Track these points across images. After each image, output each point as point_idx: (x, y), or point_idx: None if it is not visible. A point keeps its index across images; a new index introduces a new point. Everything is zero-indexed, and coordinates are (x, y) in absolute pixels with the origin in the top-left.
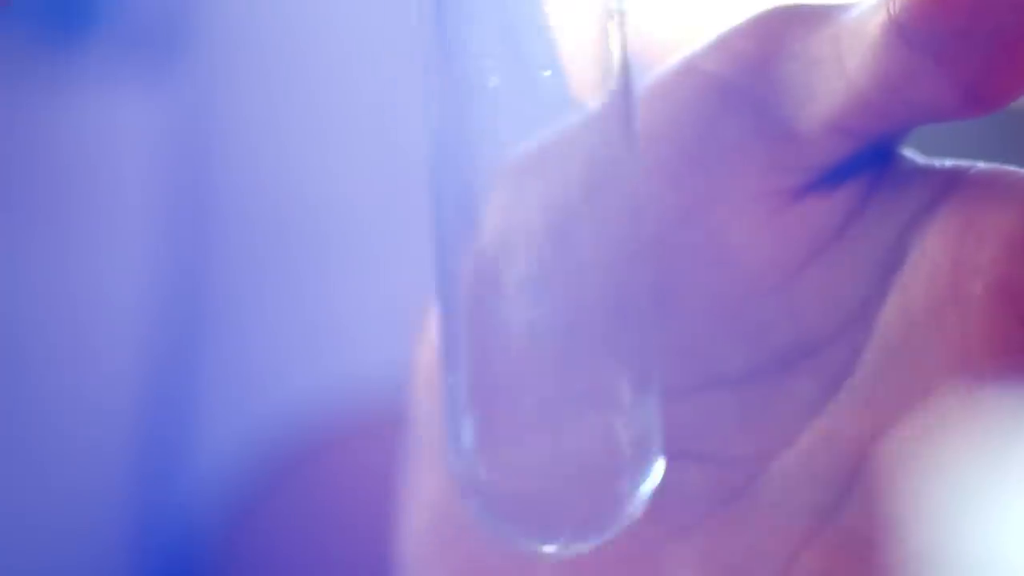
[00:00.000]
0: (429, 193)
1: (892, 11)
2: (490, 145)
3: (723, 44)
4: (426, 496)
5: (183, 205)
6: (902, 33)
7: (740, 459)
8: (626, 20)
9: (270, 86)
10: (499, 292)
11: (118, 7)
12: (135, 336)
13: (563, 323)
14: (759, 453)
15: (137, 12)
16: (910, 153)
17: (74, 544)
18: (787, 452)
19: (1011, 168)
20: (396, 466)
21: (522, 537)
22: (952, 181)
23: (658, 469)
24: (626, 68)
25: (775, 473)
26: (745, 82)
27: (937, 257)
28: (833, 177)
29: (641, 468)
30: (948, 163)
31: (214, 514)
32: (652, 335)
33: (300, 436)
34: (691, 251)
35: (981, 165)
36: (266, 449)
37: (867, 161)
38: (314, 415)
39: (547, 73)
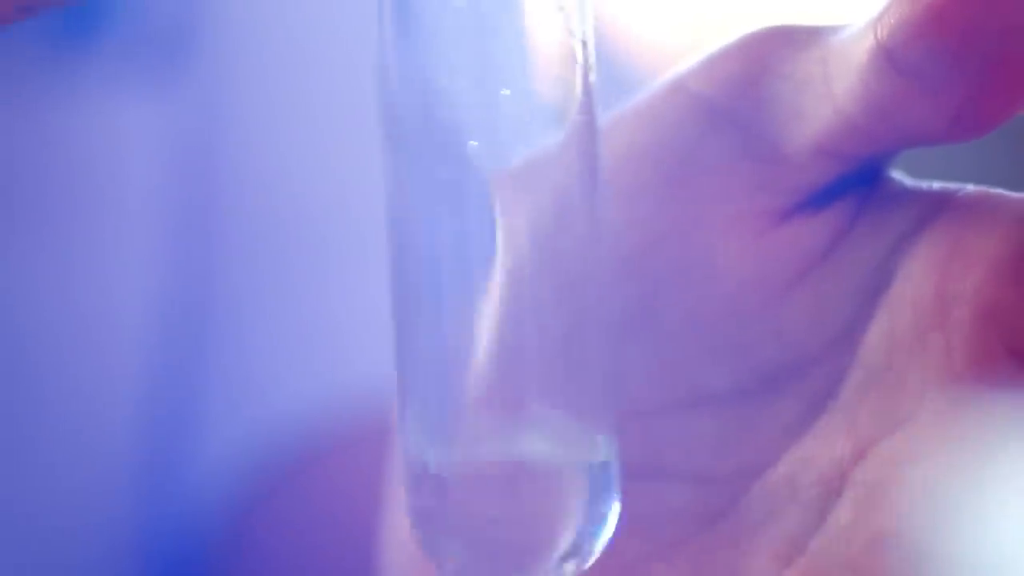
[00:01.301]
0: (386, 196)
1: (880, 35)
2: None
3: (710, 64)
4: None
5: (187, 209)
6: (890, 57)
7: (723, 478)
8: (592, 46)
9: (274, 91)
10: (458, 317)
11: (124, 12)
12: (138, 340)
13: (518, 358)
14: (742, 472)
15: (143, 17)
16: (898, 174)
17: (76, 547)
18: (770, 472)
19: (999, 191)
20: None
21: (475, 570)
22: (939, 203)
23: (614, 515)
24: (591, 93)
25: (758, 492)
26: (732, 103)
27: (923, 280)
28: (820, 198)
29: (598, 513)
30: (936, 185)
31: (214, 518)
32: (611, 370)
33: (300, 442)
34: (677, 270)
35: (969, 188)
36: (266, 454)
37: (854, 182)
38: (314, 421)
39: (506, 92)
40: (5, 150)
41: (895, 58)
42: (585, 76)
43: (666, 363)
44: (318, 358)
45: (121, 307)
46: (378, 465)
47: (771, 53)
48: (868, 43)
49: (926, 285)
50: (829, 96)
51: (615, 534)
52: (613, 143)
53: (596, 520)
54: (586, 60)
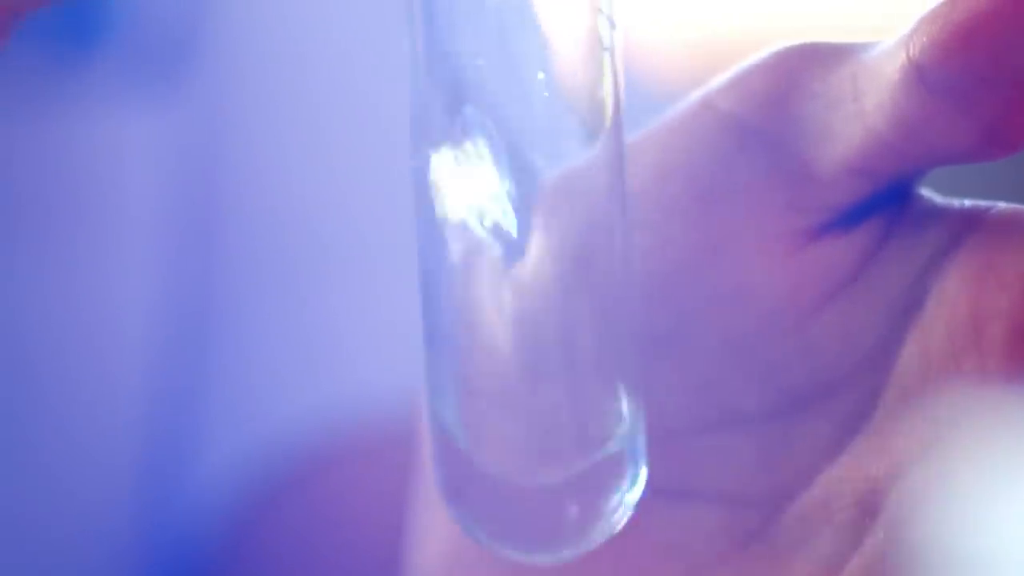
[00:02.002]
0: (418, 225)
1: (912, 53)
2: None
3: (739, 82)
4: (435, 535)
5: (189, 219)
6: (921, 76)
7: (756, 500)
8: (619, 58)
9: (276, 100)
10: (488, 317)
11: (125, 23)
12: (141, 347)
13: (550, 340)
14: (775, 494)
15: (144, 27)
16: (928, 192)
17: (77, 555)
18: (804, 493)
19: None
20: (396, 483)
21: (507, 545)
22: (971, 222)
23: (641, 481)
24: (619, 106)
25: (792, 514)
26: (762, 121)
27: (956, 299)
28: (850, 217)
29: (626, 478)
30: (967, 203)
31: (215, 526)
32: (637, 350)
33: (302, 450)
34: (707, 290)
35: (1001, 205)
36: (268, 462)
37: (884, 201)
38: (316, 430)
39: (545, 94)
40: (7, 159)
41: (926, 77)
42: (615, 90)
43: (698, 384)
44: (320, 366)
45: (123, 315)
46: (380, 473)
47: (800, 71)
48: (899, 61)
49: (959, 304)
50: (859, 114)
51: (648, 556)
52: (642, 162)
53: (623, 486)
54: (615, 70)
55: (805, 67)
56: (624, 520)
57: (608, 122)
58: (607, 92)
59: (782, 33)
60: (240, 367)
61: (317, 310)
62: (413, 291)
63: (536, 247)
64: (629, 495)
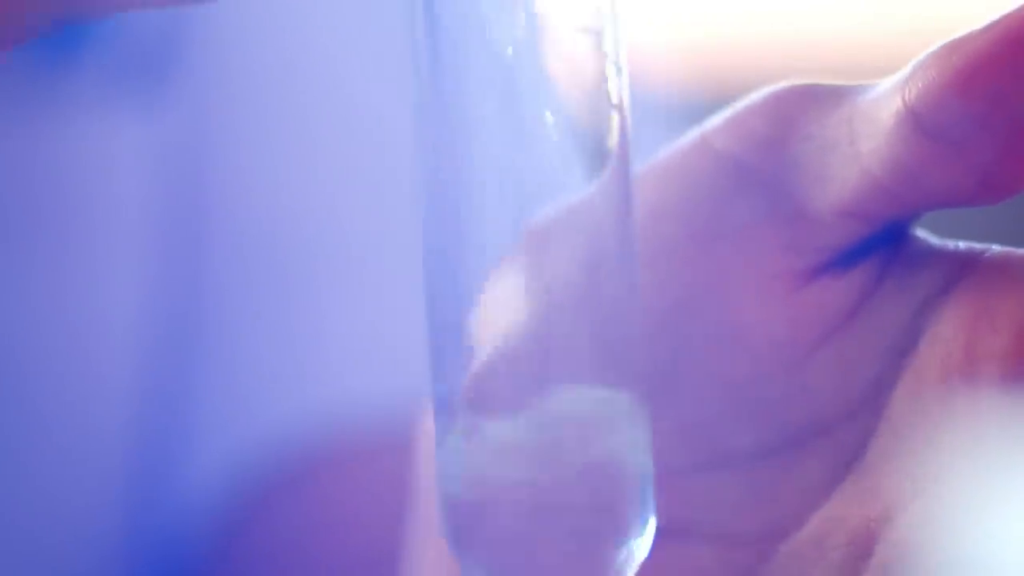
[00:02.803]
0: (424, 244)
1: (908, 98)
2: (484, 200)
3: (736, 122)
4: (432, 564)
5: (178, 223)
6: (917, 120)
7: (750, 539)
8: (624, 65)
9: (264, 105)
10: (498, 362)
11: (112, 31)
12: (130, 352)
13: (560, 390)
14: (769, 533)
15: (131, 35)
16: (923, 234)
17: (68, 558)
18: (797, 532)
19: None
20: (387, 486)
21: None
22: (966, 264)
23: (650, 530)
24: (625, 114)
25: (785, 553)
26: (758, 162)
27: (950, 341)
28: (845, 259)
29: (635, 528)
30: (962, 245)
31: (205, 529)
32: (649, 400)
33: (292, 453)
34: (702, 330)
35: (996, 248)
36: (258, 466)
37: (880, 242)
38: (307, 433)
39: (550, 119)
40: None
41: (923, 121)
42: (622, 120)
43: (692, 423)
44: (310, 369)
45: (113, 318)
46: (370, 476)
47: (797, 113)
48: (895, 105)
49: (953, 346)
50: (855, 157)
51: None
52: (639, 200)
53: (632, 534)
54: (622, 103)
55: (802, 109)
56: (632, 570)
57: (614, 152)
58: (613, 128)
59: (780, 36)
60: (230, 370)
61: (307, 313)
62: (402, 294)
63: (536, 288)
64: (637, 544)
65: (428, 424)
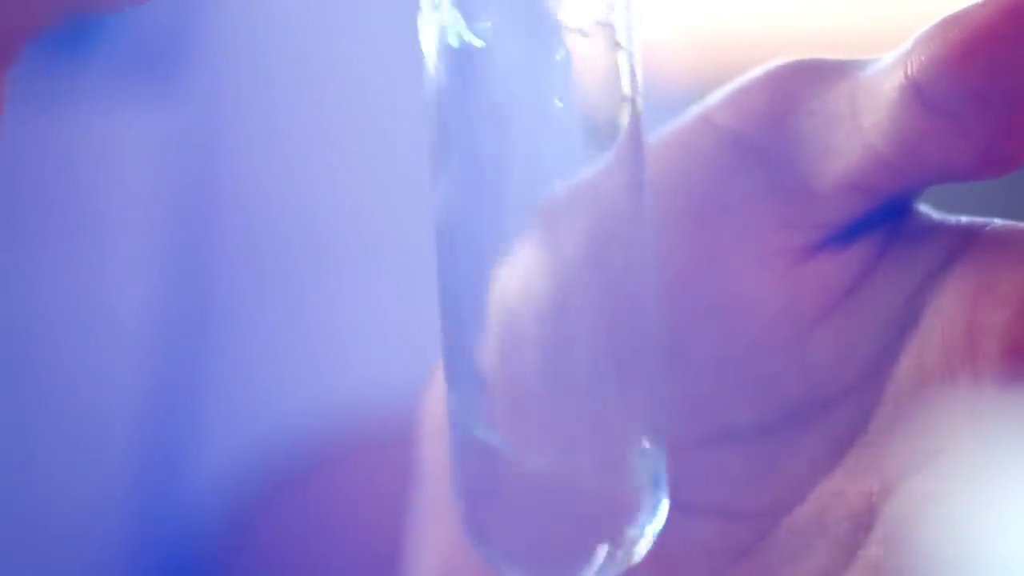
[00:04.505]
0: (437, 223)
1: (909, 71)
2: (499, 184)
3: (737, 98)
4: (435, 545)
5: (186, 219)
6: (919, 94)
7: (750, 514)
8: (637, 53)
9: (271, 100)
10: (512, 336)
11: (121, 25)
12: (138, 346)
13: (574, 365)
14: (770, 508)
15: (139, 30)
16: (925, 208)
17: (76, 553)
18: (799, 507)
19: None
20: (397, 480)
21: (525, 573)
22: (967, 238)
23: (663, 511)
24: (637, 106)
25: (787, 528)
26: (759, 138)
27: (952, 315)
28: (847, 234)
29: (647, 509)
30: (963, 219)
31: (213, 525)
32: (662, 379)
33: (300, 449)
34: (704, 306)
35: (997, 222)
36: (266, 461)
37: (881, 217)
38: (315, 428)
39: (559, 104)
40: (4, 160)
41: (924, 94)
42: (634, 98)
43: (693, 399)
44: (318, 364)
45: (121, 313)
46: (377, 471)
47: (799, 88)
48: (897, 79)
49: (955, 320)
50: (857, 132)
51: (642, 569)
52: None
53: (644, 515)
54: (634, 80)
55: (803, 84)
56: (645, 550)
57: (626, 134)
58: (625, 90)
59: (784, 33)
60: (238, 365)
61: (315, 307)
62: (411, 288)
63: (551, 263)
64: (650, 526)
65: (431, 406)
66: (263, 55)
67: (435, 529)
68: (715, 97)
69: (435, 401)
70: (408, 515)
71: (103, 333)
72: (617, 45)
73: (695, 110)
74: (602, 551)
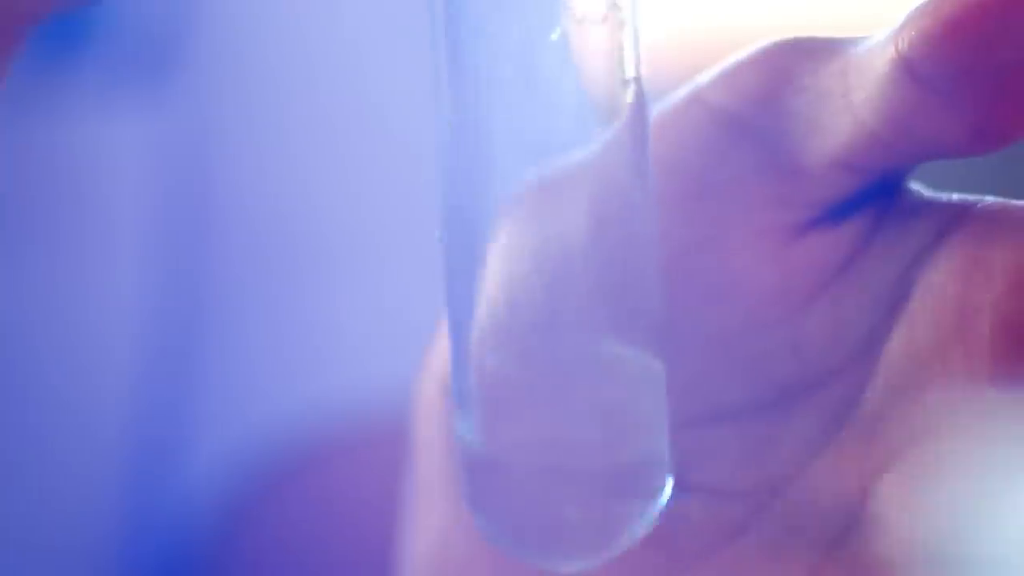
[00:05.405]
0: (440, 202)
1: (901, 47)
2: (503, 164)
3: (729, 76)
4: (429, 526)
5: (180, 219)
6: (910, 70)
7: (744, 493)
8: (639, 33)
9: (265, 100)
10: (512, 315)
11: (115, 25)
12: (132, 344)
13: (575, 345)
14: (763, 487)
15: (134, 29)
16: (917, 186)
17: (69, 551)
18: (791, 486)
19: (1018, 202)
20: (393, 477)
21: (528, 552)
22: (959, 216)
23: (666, 489)
24: (640, 83)
25: (779, 507)
26: (751, 115)
27: (943, 293)
28: (839, 211)
29: (650, 487)
30: (955, 197)
31: (209, 521)
32: (665, 356)
33: (295, 446)
34: (695, 284)
35: (988, 199)
36: (263, 457)
37: (873, 195)
38: (309, 425)
39: (562, 82)
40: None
41: (915, 70)
42: (637, 79)
43: (686, 378)
44: (312, 361)
45: (115, 312)
46: (373, 468)
47: (790, 65)
48: (888, 56)
49: (946, 297)
50: (849, 108)
51: (634, 548)
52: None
53: (649, 493)
54: (636, 55)
55: (795, 62)
56: (649, 528)
57: (629, 113)
58: (627, 67)
59: (779, 29)
60: (232, 363)
61: (309, 306)
62: (405, 286)
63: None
64: (654, 503)
65: (425, 387)
66: (258, 54)
67: (428, 511)
68: (707, 76)
69: (428, 382)
70: (402, 503)
71: (97, 332)
72: (623, 24)
73: (687, 89)
74: (606, 529)
